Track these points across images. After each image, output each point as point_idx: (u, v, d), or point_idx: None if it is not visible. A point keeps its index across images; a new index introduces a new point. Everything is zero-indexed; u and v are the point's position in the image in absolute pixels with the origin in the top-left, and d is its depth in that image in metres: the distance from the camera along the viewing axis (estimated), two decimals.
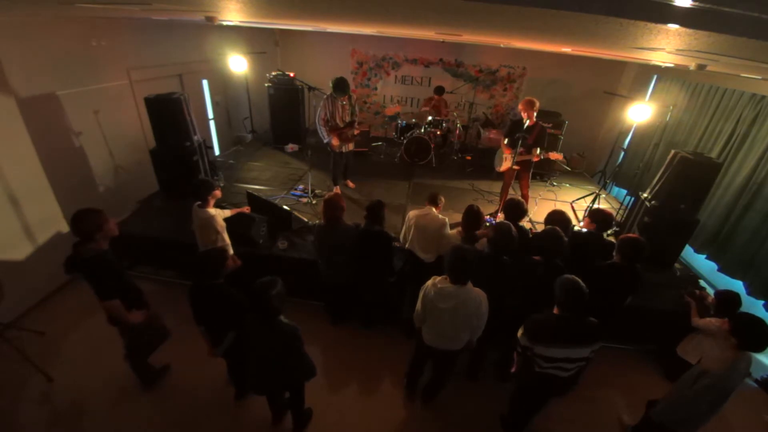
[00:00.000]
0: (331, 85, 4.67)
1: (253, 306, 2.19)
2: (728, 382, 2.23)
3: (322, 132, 4.89)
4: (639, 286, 2.91)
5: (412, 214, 3.39)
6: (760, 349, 2.20)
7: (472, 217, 3.06)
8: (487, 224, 4.28)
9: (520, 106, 4.50)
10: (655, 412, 2.59)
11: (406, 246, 3.45)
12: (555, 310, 2.30)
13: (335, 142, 4.95)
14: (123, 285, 2.60)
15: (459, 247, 2.48)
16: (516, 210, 3.22)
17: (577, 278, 2.24)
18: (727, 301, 2.92)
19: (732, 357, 2.22)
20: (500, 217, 3.68)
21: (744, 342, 2.20)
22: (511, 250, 2.70)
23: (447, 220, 3.28)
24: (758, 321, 2.20)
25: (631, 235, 3.06)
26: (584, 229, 3.51)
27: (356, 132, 5.21)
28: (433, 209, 3.33)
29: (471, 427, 3.05)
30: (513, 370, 2.60)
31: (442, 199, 3.43)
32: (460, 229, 3.17)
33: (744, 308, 4.42)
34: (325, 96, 4.80)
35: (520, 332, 2.39)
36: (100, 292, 2.45)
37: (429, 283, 2.54)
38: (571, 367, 2.33)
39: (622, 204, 5.47)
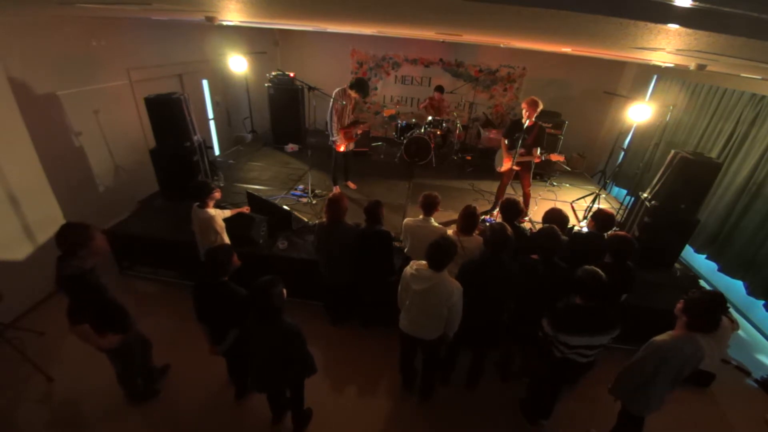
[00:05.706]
0: (351, 82, 4.69)
1: (255, 305, 2.19)
2: (665, 354, 2.07)
3: (332, 127, 4.80)
4: (632, 284, 2.91)
5: (408, 223, 3.33)
6: (708, 329, 2.05)
7: (469, 218, 3.05)
8: (487, 224, 4.29)
9: (523, 105, 4.42)
10: (611, 387, 2.47)
11: (405, 251, 3.45)
12: (577, 300, 2.38)
13: (341, 141, 4.93)
14: (104, 306, 2.39)
15: (443, 237, 2.49)
16: (512, 210, 3.22)
17: (596, 268, 2.32)
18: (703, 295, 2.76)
19: (677, 334, 2.10)
20: (497, 216, 3.67)
21: (692, 318, 2.04)
22: (509, 250, 2.70)
23: (447, 230, 3.18)
24: (709, 296, 2.07)
25: (619, 233, 3.06)
26: (584, 230, 3.51)
27: (359, 131, 5.20)
28: (431, 220, 3.25)
29: (471, 426, 3.05)
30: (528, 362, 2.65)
31: (439, 203, 3.29)
32: (455, 228, 3.16)
33: (744, 308, 4.47)
34: (335, 91, 4.72)
35: (544, 321, 2.48)
36: (71, 315, 2.22)
37: (408, 266, 2.61)
38: (590, 354, 2.44)
39: (622, 204, 5.47)
